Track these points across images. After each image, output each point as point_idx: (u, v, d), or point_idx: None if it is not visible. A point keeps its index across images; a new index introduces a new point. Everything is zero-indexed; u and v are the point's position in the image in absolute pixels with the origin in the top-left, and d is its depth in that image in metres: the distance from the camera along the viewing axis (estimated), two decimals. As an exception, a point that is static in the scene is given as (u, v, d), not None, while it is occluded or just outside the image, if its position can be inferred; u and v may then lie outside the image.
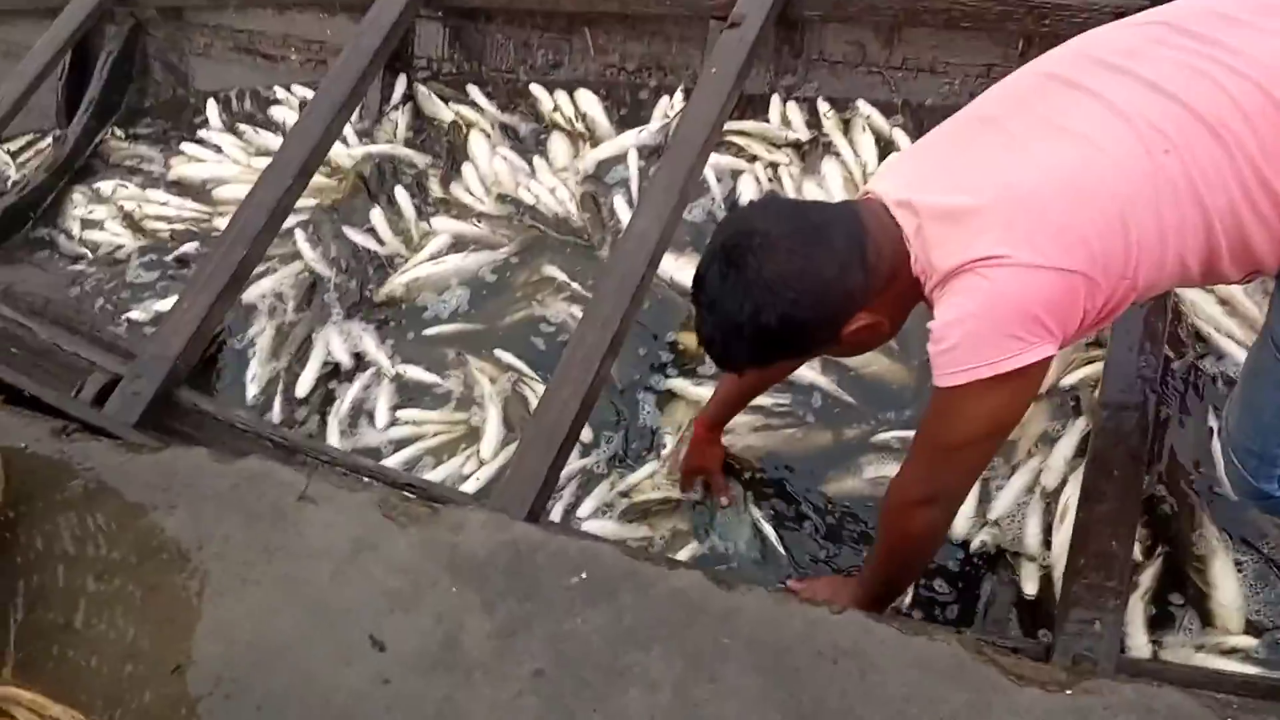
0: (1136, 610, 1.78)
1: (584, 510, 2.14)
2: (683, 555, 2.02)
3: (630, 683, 1.41)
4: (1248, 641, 1.74)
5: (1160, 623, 1.79)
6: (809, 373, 2.21)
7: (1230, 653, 1.74)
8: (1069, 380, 2.10)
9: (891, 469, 2.04)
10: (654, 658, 1.42)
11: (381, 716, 1.43)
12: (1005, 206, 1.29)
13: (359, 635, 1.51)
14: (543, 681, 1.43)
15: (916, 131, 2.66)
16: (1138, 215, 1.27)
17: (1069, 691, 1.32)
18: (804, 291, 1.35)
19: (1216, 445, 1.92)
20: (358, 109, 3.00)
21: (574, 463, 2.18)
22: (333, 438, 2.40)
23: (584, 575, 1.51)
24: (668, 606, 1.47)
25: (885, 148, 2.65)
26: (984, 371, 1.32)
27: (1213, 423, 1.98)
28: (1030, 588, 1.86)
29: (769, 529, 2.02)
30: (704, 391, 2.26)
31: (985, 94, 1.44)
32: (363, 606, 1.54)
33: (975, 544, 1.93)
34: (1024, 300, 1.28)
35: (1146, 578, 1.82)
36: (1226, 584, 1.80)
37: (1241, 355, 2.06)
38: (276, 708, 1.44)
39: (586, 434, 2.22)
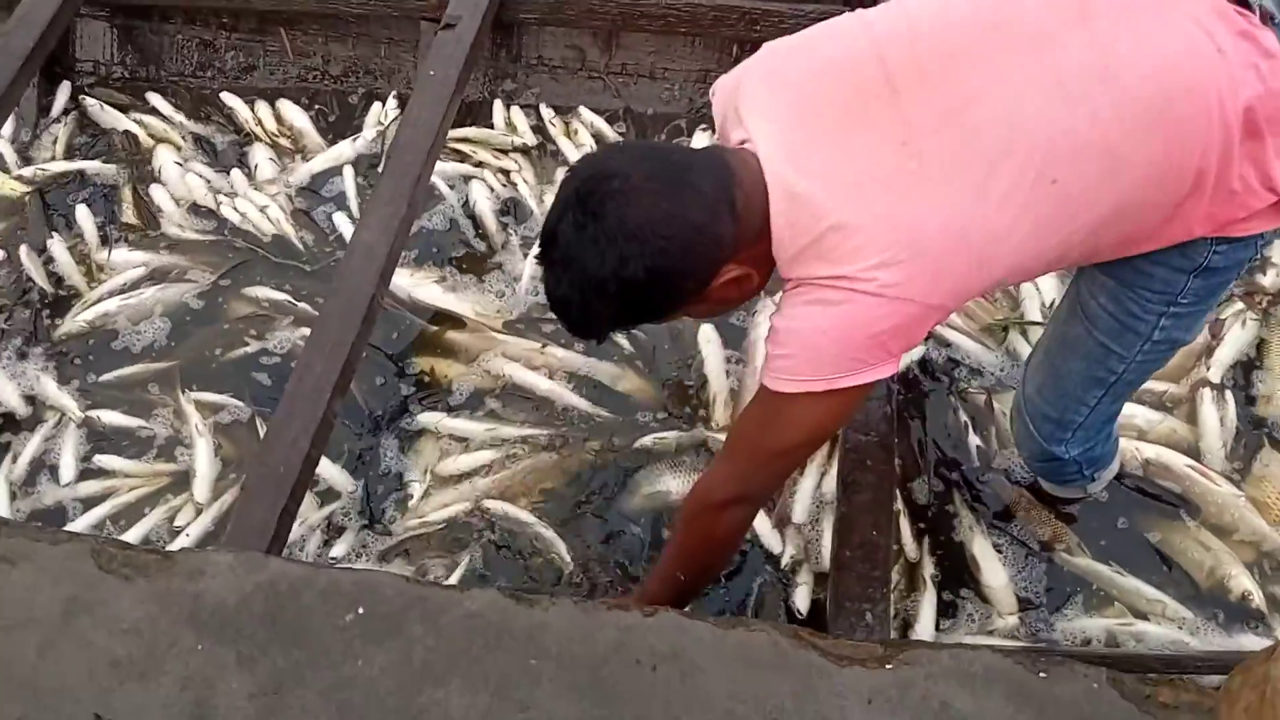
0: (928, 600, 1.81)
1: (336, 553, 1.91)
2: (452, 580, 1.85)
3: (429, 724, 1.23)
4: (1012, 622, 1.80)
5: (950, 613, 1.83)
6: (569, 395, 2.12)
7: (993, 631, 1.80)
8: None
9: (659, 474, 1.99)
10: (454, 692, 1.26)
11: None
12: (883, 232, 1.22)
13: (82, 718, 1.23)
14: (324, 740, 1.22)
15: (641, 136, 2.65)
16: (1002, 254, 1.26)
17: (889, 665, 1.29)
18: (672, 238, 1.21)
19: (970, 433, 2.02)
20: (8, 122, 2.60)
21: (312, 513, 1.95)
22: (1, 502, 2.01)
23: (360, 610, 1.32)
24: (464, 633, 1.31)
25: (611, 153, 2.61)
26: (818, 386, 1.27)
27: (959, 410, 2.07)
28: (802, 600, 1.82)
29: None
30: (458, 424, 2.09)
31: (890, 26, 1.31)
32: (84, 682, 1.26)
33: (785, 558, 1.88)
34: (878, 327, 1.24)
35: (928, 568, 1.85)
36: (989, 566, 1.86)
37: (963, 342, 2.17)
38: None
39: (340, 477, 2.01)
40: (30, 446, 2.07)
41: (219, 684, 1.26)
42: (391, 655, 1.29)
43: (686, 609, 1.47)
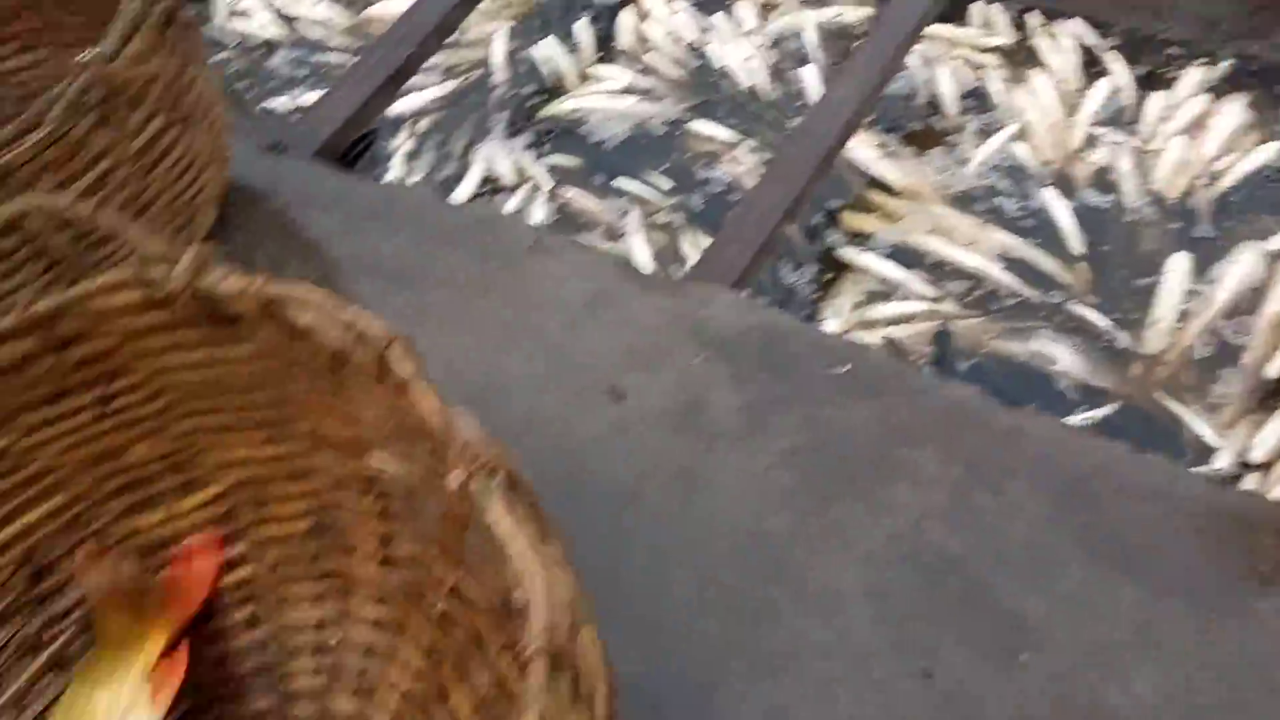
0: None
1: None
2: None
3: (899, 476, 1.29)
4: None
5: None
6: (998, 271, 2.08)
7: None
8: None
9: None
10: (927, 456, 1.31)
11: (619, 461, 1.31)
12: None
13: (595, 384, 1.39)
14: (798, 459, 1.31)
15: (1132, 60, 2.53)
16: None
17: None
18: None
19: None
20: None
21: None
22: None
23: (848, 368, 1.40)
24: (942, 414, 1.35)
25: (1097, 72, 2.52)
26: None
27: None
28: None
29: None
30: (872, 262, 2.09)
31: None
32: (602, 359, 1.42)
33: None
34: None
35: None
36: None
37: None
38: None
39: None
40: (507, 209, 2.30)
41: (713, 391, 1.38)
42: (871, 411, 1.35)
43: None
